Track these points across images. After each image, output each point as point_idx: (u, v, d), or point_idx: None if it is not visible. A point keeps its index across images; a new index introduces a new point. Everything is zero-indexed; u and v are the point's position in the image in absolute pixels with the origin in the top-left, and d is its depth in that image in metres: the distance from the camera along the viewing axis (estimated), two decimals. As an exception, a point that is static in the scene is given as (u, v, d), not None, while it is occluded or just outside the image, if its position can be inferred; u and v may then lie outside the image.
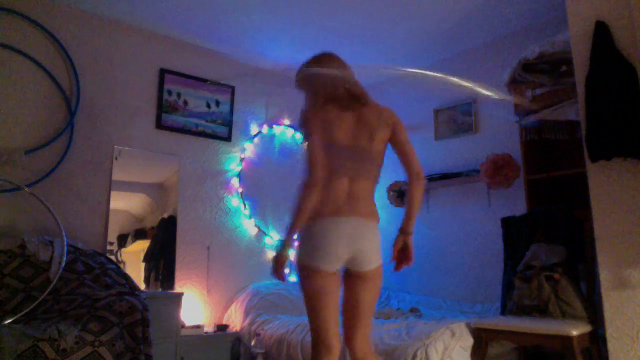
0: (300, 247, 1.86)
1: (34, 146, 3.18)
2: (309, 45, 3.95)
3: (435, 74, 3.47)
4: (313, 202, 1.80)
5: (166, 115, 3.81)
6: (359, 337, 1.87)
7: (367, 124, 1.89)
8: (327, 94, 1.91)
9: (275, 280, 4.13)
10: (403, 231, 1.93)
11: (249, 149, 4.25)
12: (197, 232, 3.86)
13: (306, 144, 1.90)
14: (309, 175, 1.81)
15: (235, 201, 4.11)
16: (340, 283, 1.86)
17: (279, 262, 1.85)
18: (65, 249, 2.79)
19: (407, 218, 1.94)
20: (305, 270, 1.81)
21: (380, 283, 1.90)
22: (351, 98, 1.91)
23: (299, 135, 4.47)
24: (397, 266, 1.91)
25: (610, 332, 2.12)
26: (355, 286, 1.87)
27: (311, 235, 1.82)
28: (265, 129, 4.36)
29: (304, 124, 1.91)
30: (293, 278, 4.25)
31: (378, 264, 1.87)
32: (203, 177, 3.97)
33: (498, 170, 3.37)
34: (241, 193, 4.13)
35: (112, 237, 3.44)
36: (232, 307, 3.86)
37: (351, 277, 1.87)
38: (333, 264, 1.79)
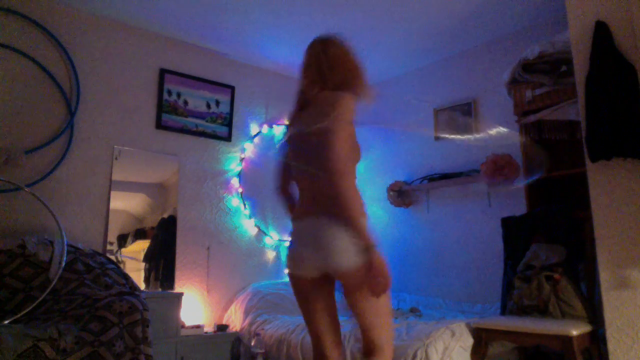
0: None
1: (34, 146, 3.18)
2: (309, 45, 3.95)
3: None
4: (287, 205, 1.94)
5: (166, 115, 3.81)
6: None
7: (311, 115, 1.77)
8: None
9: (275, 280, 4.14)
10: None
11: (249, 149, 4.25)
12: (197, 232, 3.86)
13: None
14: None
15: (235, 201, 4.11)
16: (328, 288, 1.77)
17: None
18: (65, 249, 2.79)
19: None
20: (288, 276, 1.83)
21: (359, 282, 1.63)
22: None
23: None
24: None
25: (610, 332, 2.12)
26: (318, 293, 1.77)
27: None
28: (265, 129, 4.36)
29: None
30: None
31: (347, 266, 1.61)
32: (203, 177, 3.97)
33: (498, 170, 3.38)
34: (241, 193, 4.13)
35: (112, 237, 3.44)
36: (232, 307, 3.86)
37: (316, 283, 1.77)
38: (302, 269, 1.71)
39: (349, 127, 1.68)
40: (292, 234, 1.79)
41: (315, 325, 1.77)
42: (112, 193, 3.48)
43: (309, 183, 1.76)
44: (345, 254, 1.61)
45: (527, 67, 3.03)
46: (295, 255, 1.74)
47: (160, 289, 3.56)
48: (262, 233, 4.21)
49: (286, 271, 1.85)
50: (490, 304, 3.49)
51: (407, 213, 4.33)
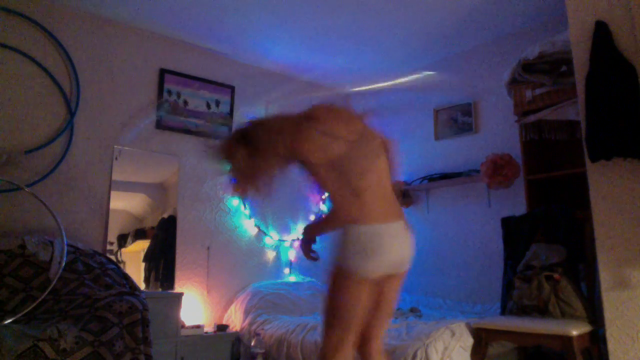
0: (344, 249, 1.70)
1: (34, 146, 3.18)
2: (309, 45, 3.96)
3: None
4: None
5: (166, 115, 3.81)
6: (379, 339, 1.83)
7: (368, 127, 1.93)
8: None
9: (275, 280, 4.14)
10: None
11: (249, 149, 4.24)
12: (197, 232, 3.86)
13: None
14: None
15: (235, 201, 4.11)
16: None
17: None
18: (65, 249, 2.79)
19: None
20: (348, 275, 1.68)
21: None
22: None
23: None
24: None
25: (610, 332, 2.12)
26: (390, 287, 1.81)
27: (361, 240, 1.68)
28: (265, 129, 4.36)
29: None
30: (292, 278, 4.26)
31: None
32: (203, 177, 3.97)
33: (498, 170, 3.38)
34: (241, 193, 4.13)
35: (112, 237, 3.44)
36: (232, 307, 3.86)
37: (387, 279, 1.78)
38: (380, 271, 1.71)
39: None
40: (378, 235, 1.69)
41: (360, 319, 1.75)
42: (112, 193, 3.48)
43: (376, 182, 1.80)
44: None
45: (527, 67, 3.03)
46: (386, 258, 1.69)
47: (160, 289, 3.56)
48: (262, 233, 4.21)
49: (358, 276, 1.68)
50: (490, 304, 3.49)
51: (407, 213, 4.32)
